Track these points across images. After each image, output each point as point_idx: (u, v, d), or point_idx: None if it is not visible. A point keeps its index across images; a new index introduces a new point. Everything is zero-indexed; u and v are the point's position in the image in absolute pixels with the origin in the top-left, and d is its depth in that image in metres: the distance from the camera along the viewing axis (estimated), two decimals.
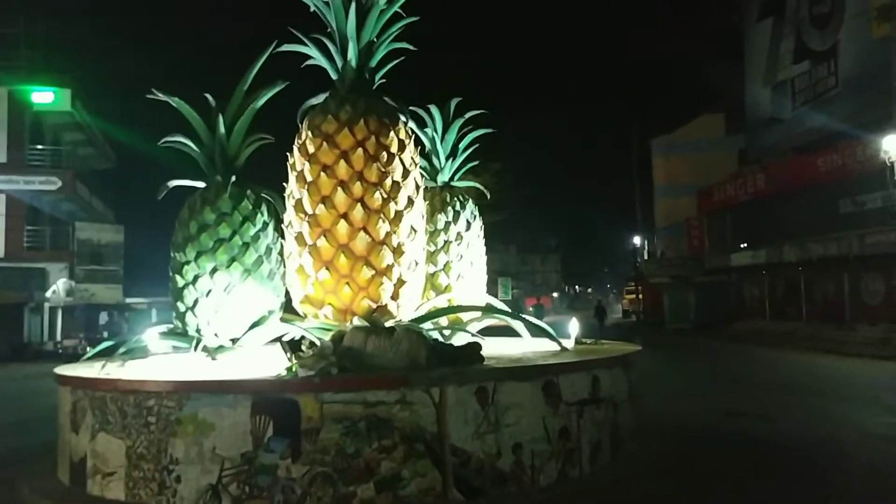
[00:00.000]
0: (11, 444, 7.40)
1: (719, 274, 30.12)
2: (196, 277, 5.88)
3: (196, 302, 5.88)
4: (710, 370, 14.06)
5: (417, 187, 6.46)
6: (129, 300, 30.35)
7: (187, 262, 5.90)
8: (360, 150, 6.00)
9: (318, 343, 5.22)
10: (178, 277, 5.94)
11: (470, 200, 8.01)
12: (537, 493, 4.76)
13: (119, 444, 4.87)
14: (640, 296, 42.06)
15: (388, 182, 6.11)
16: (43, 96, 27.56)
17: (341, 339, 4.97)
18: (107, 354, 5.92)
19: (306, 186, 6.02)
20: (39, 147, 28.88)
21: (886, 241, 19.97)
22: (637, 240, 44.65)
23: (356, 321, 5.84)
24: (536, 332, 6.64)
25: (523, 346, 6.60)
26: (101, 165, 36.63)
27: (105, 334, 24.89)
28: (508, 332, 7.20)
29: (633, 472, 5.25)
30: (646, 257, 42.65)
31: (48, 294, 27.15)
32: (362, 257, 5.91)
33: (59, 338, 26.57)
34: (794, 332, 22.88)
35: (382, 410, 4.53)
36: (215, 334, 5.92)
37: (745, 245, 27.82)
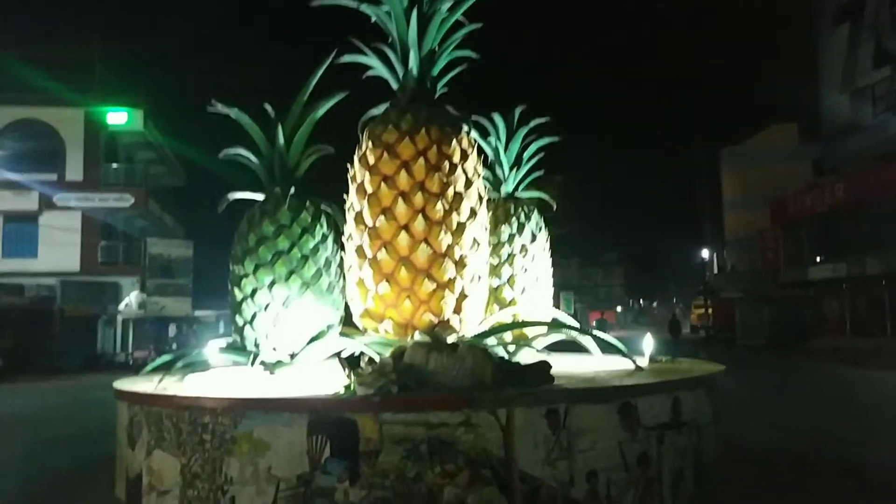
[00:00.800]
0: (75, 455, 7.43)
1: (795, 288, 28.73)
2: (254, 291, 5.73)
3: (254, 316, 5.72)
4: (792, 390, 13.23)
5: (480, 198, 6.19)
6: (197, 313, 31.07)
7: (246, 276, 5.76)
8: (421, 159, 5.78)
9: (377, 359, 4.97)
10: (236, 291, 5.81)
11: (535, 211, 7.68)
12: None
13: (174, 462, 4.72)
14: (710, 310, 40.59)
15: (451, 192, 5.86)
16: (117, 117, 28.65)
17: (402, 355, 4.71)
18: (167, 368, 5.83)
19: (366, 198, 5.83)
20: (114, 166, 29.99)
21: None
22: (705, 253, 43.19)
23: (417, 336, 5.58)
24: (607, 348, 6.24)
25: (594, 365, 6.20)
26: (172, 183, 37.88)
27: (174, 346, 25.50)
28: (576, 348, 6.81)
29: (719, 502, 4.79)
30: (715, 271, 41.15)
31: (121, 307, 28.05)
32: (423, 270, 5.67)
33: (130, 349, 27.35)
34: (878, 350, 21.51)
35: (445, 433, 4.23)
36: (273, 349, 5.75)
37: (823, 258, 26.46)
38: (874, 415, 9.36)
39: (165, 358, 6.02)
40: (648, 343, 6.66)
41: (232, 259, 5.94)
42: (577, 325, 6.80)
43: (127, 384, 5.65)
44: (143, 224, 31.72)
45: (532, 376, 4.66)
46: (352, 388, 4.44)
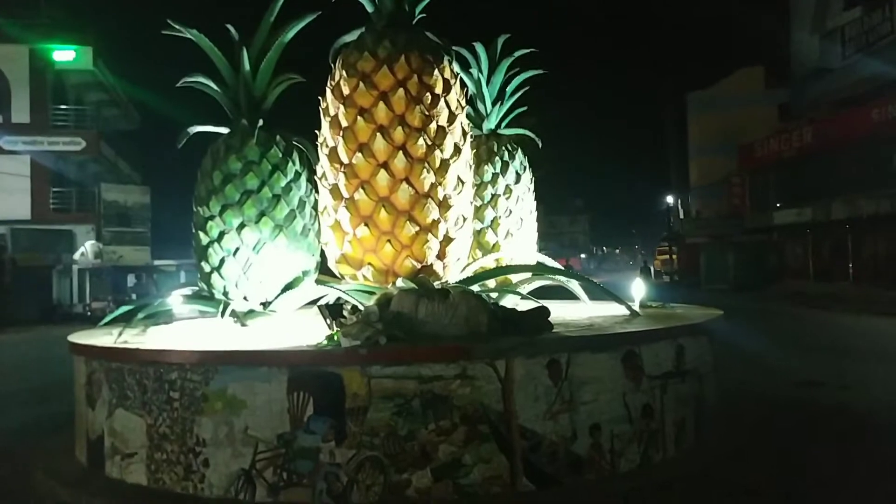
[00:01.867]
0: (33, 413, 6.95)
1: (760, 233, 29.01)
2: (221, 234, 5.23)
3: (222, 261, 5.23)
4: (763, 333, 13.27)
5: (464, 134, 5.73)
6: (157, 262, 30.13)
7: (211, 217, 5.24)
8: (400, 90, 5.27)
9: (361, 308, 4.57)
10: (201, 234, 5.30)
11: (519, 150, 7.24)
12: (618, 481, 4.10)
13: (139, 423, 4.30)
14: (674, 256, 41.04)
15: (433, 127, 5.38)
16: (64, 54, 27.07)
17: (388, 303, 4.31)
18: (127, 319, 5.34)
19: (341, 133, 5.33)
20: (63, 107, 28.47)
21: None
22: (670, 199, 43.43)
23: (399, 283, 5.18)
24: (595, 294, 5.93)
25: (586, 311, 5.89)
26: (126, 127, 36.28)
27: (133, 296, 24.71)
28: (560, 294, 6.50)
29: (723, 456, 4.58)
30: (681, 217, 41.46)
31: (76, 256, 27.02)
32: (405, 212, 5.23)
33: (88, 300, 26.48)
34: (840, 294, 21.89)
35: (440, 386, 3.88)
36: (244, 297, 5.29)
37: (788, 203, 26.65)
38: (851, 358, 9.35)
39: (125, 309, 5.52)
40: (639, 288, 6.36)
41: (195, 199, 5.41)
42: (563, 268, 6.46)
43: (83, 337, 5.16)
44: (96, 169, 30.38)
45: (531, 324, 4.31)
46: (335, 339, 4.04)
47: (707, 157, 37.79)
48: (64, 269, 26.72)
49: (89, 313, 23.36)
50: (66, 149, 27.01)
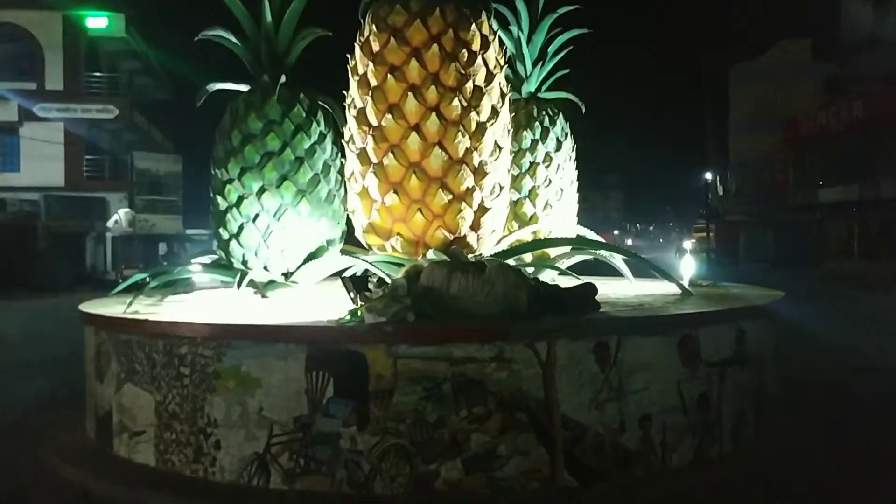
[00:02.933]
0: (51, 383, 6.74)
1: (804, 211, 28.00)
2: (240, 199, 4.86)
3: (241, 228, 4.87)
4: (812, 314, 12.63)
5: (503, 95, 5.28)
6: (189, 231, 30.20)
7: (230, 181, 4.88)
8: (434, 46, 4.85)
9: (388, 281, 4.18)
10: (219, 199, 4.94)
11: (560, 115, 6.74)
12: (670, 477, 3.69)
13: (148, 399, 3.99)
14: (710, 234, 40.00)
15: (469, 87, 4.96)
16: (97, 21, 26.97)
17: (418, 276, 3.91)
18: (141, 287, 5.04)
19: (370, 93, 4.93)
20: (96, 75, 28.45)
21: None
22: (708, 176, 42.25)
23: (430, 255, 4.79)
24: (644, 271, 5.47)
25: (632, 290, 5.43)
26: (159, 96, 36.25)
27: (165, 264, 24.79)
28: (601, 271, 6.06)
29: (784, 452, 4.12)
30: (720, 194, 40.32)
31: (109, 224, 27.16)
32: (437, 179, 4.83)
33: (121, 267, 26.65)
34: (886, 274, 20.97)
35: (473, 369, 3.48)
36: (265, 267, 4.94)
37: (834, 180, 25.61)
38: None
39: (139, 276, 5.21)
40: (688, 265, 5.88)
41: (213, 161, 5.05)
42: (606, 243, 6.00)
43: (95, 306, 4.86)
44: (129, 137, 30.42)
45: (576, 302, 3.88)
46: (359, 314, 3.66)
47: (748, 132, 36.49)
48: (97, 236, 26.90)
49: (121, 280, 23.43)
50: (99, 116, 27.02)
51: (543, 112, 6.62)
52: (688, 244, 32.39)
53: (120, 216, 27.41)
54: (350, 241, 5.47)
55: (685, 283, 5.46)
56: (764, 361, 4.39)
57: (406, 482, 3.49)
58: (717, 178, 42.04)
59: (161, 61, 33.03)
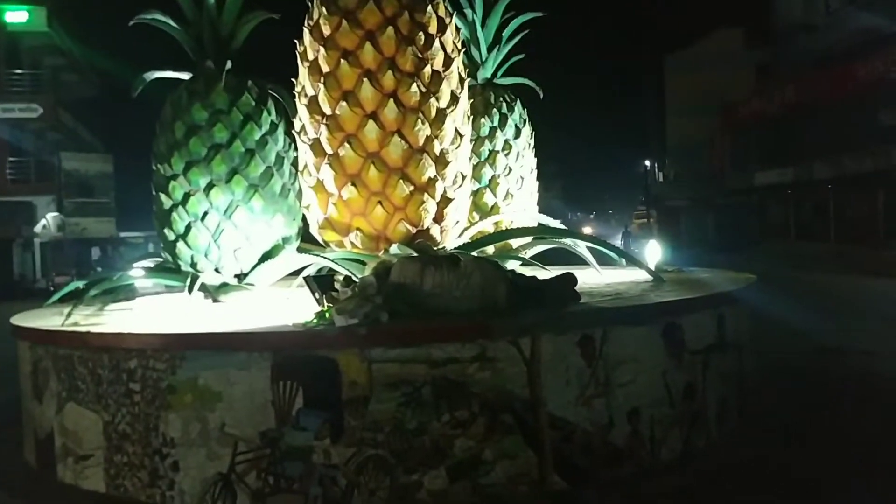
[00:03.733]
0: None
1: (741, 195, 28.70)
2: (186, 196, 4.48)
3: (188, 228, 4.49)
4: (759, 296, 12.88)
5: (461, 80, 5.06)
6: (123, 234, 28.93)
7: (174, 177, 4.49)
8: (390, 29, 4.59)
9: (355, 279, 3.90)
10: (163, 197, 4.55)
11: (518, 102, 6.55)
12: (661, 473, 3.54)
13: (94, 420, 3.62)
14: (650, 220, 40.76)
15: (427, 72, 4.73)
16: (17, 15, 25.41)
17: (388, 272, 3.65)
18: (79, 296, 4.62)
19: (322, 80, 4.63)
20: (18, 72, 26.89)
21: None
22: (647, 163, 43.00)
23: (393, 250, 4.53)
24: (608, 259, 5.33)
25: (601, 278, 5.28)
26: (87, 93, 34.50)
27: (99, 270, 23.66)
28: (562, 260, 5.90)
29: (770, 439, 4.02)
30: (659, 180, 41.12)
31: (37, 229, 25.75)
32: (397, 169, 4.59)
33: (51, 275, 25.34)
34: (822, 254, 21.69)
35: (455, 371, 3.25)
36: (216, 269, 4.58)
37: (770, 164, 26.29)
38: (859, 320, 8.93)
39: (77, 283, 4.78)
40: (654, 251, 5.78)
41: (154, 156, 4.65)
42: (573, 231, 5.85)
43: (28, 318, 4.43)
44: (55, 137, 28.84)
45: (556, 294, 3.68)
46: (327, 316, 3.38)
47: (686, 118, 37.21)
48: (25, 242, 25.49)
49: (52, 288, 22.27)
50: (21, 115, 25.51)
51: (501, 98, 6.41)
52: (632, 228, 32.88)
53: (48, 220, 26.01)
54: (306, 238, 5.16)
55: (652, 270, 5.35)
56: (742, 346, 4.30)
57: (387, 495, 3.24)
58: (657, 165, 42.82)
59: (87, 57, 31.40)
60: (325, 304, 3.54)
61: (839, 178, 22.32)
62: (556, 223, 6.39)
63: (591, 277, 5.32)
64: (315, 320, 3.41)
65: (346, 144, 4.59)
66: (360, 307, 3.34)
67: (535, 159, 6.66)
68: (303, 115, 4.78)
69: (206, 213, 4.46)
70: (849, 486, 3.41)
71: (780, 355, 6.15)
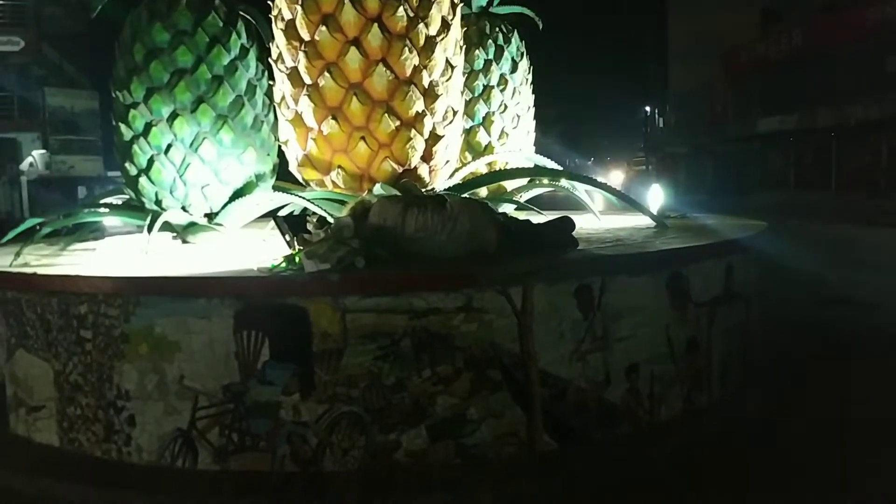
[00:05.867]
0: None
1: (742, 142, 28.19)
2: (148, 127, 4.08)
3: (151, 162, 4.10)
4: (761, 244, 12.56)
5: (453, 6, 4.61)
6: (111, 173, 28.33)
7: (134, 105, 4.08)
8: None
9: (331, 220, 3.56)
10: (122, 127, 4.15)
11: (516, 32, 6.09)
12: (660, 433, 3.28)
13: (45, 368, 3.32)
14: (650, 167, 40.24)
15: None
16: None
17: (366, 213, 3.30)
18: (33, 234, 4.28)
19: (300, 1, 4.18)
20: None
21: None
22: (648, 108, 42.23)
23: (378, 190, 4.17)
24: (621, 203, 4.98)
25: (601, 224, 4.95)
26: (71, 27, 33.36)
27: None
28: (559, 205, 5.56)
29: (775, 397, 3.77)
30: (660, 126, 40.43)
31: (23, 166, 25.20)
32: (382, 102, 4.18)
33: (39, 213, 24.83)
34: (822, 203, 21.37)
35: (437, 322, 2.94)
36: (183, 207, 4.21)
37: (773, 110, 25.71)
38: (861, 270, 8.66)
39: (33, 221, 4.42)
40: (657, 195, 5.43)
41: (113, 82, 4.23)
42: (571, 173, 5.48)
43: None
44: (39, 73, 27.96)
45: (552, 239, 3.34)
46: (297, 261, 3.04)
47: (688, 63, 36.33)
48: (11, 180, 24.96)
49: (39, 228, 21.87)
50: (3, 49, 24.67)
51: (497, 29, 5.95)
52: (633, 174, 32.45)
53: (35, 158, 25.42)
54: (285, 177, 4.79)
55: (655, 215, 5.02)
56: (750, 299, 3.99)
57: (361, 455, 2.97)
58: (657, 111, 42.06)
59: None
60: (296, 247, 3.20)
61: (842, 127, 21.88)
62: (553, 165, 6.01)
63: (589, 223, 4.99)
64: (284, 265, 3.08)
65: (327, 74, 4.18)
66: (334, 251, 3.00)
67: (533, 98, 6.25)
68: (279, 41, 4.36)
69: (169, 146, 4.07)
70: (854, 446, 3.17)
71: (783, 306, 5.88)
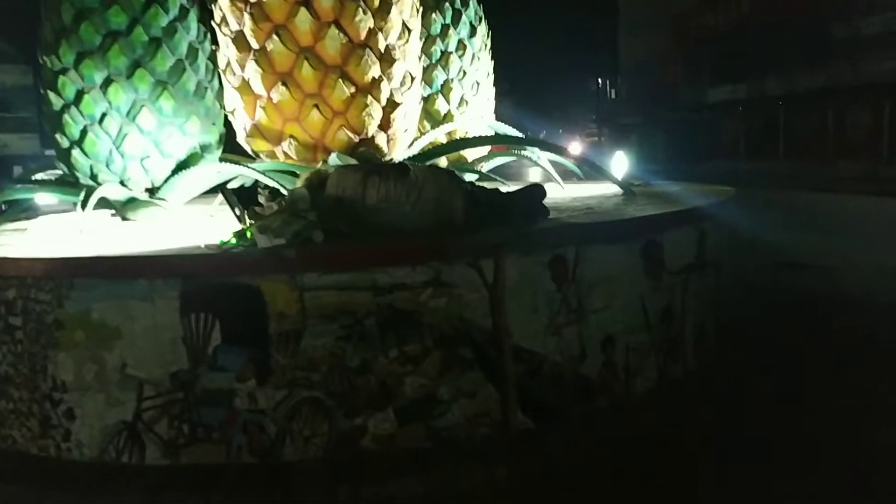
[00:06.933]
0: None
1: (693, 112, 28.42)
2: (80, 94, 3.72)
3: (84, 133, 3.76)
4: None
5: None
6: (49, 152, 27.10)
7: (64, 71, 3.72)
8: None
9: (285, 192, 3.31)
10: (51, 95, 3.78)
11: None
12: (636, 407, 3.16)
13: None
14: (601, 139, 40.43)
15: None
16: None
17: (323, 184, 3.06)
18: None
19: None
20: None
21: (880, 70, 18.45)
22: (599, 80, 42.29)
23: (334, 159, 3.93)
24: (585, 171, 4.83)
25: (566, 193, 4.80)
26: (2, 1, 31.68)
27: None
28: (521, 176, 5.39)
29: (747, 365, 3.69)
30: (611, 97, 40.59)
31: None
32: (335, 67, 3.93)
33: None
34: (771, 171, 21.74)
35: (404, 299, 2.74)
36: (122, 182, 3.89)
37: (723, 79, 25.95)
38: (810, 234, 8.75)
39: None
40: (621, 162, 5.30)
41: (40, 45, 3.85)
42: (535, 139, 5.30)
43: None
44: None
45: (523, 209, 3.16)
46: (248, 235, 2.79)
47: (638, 34, 36.41)
48: None
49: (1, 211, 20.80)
50: None
51: None
52: (584, 145, 32.47)
53: None
54: (234, 149, 4.49)
55: (622, 182, 4.88)
56: (720, 266, 3.90)
57: (325, 443, 2.77)
58: (608, 82, 42.15)
59: None
60: (247, 220, 2.95)
61: (790, 95, 22.17)
62: (514, 132, 5.82)
63: (554, 192, 4.83)
64: (234, 240, 2.82)
65: (275, 37, 3.90)
66: (289, 225, 2.76)
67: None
68: (223, 2, 4.03)
69: (104, 115, 3.72)
70: (827, 411, 3.11)
71: (746, 271, 5.86)
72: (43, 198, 4.57)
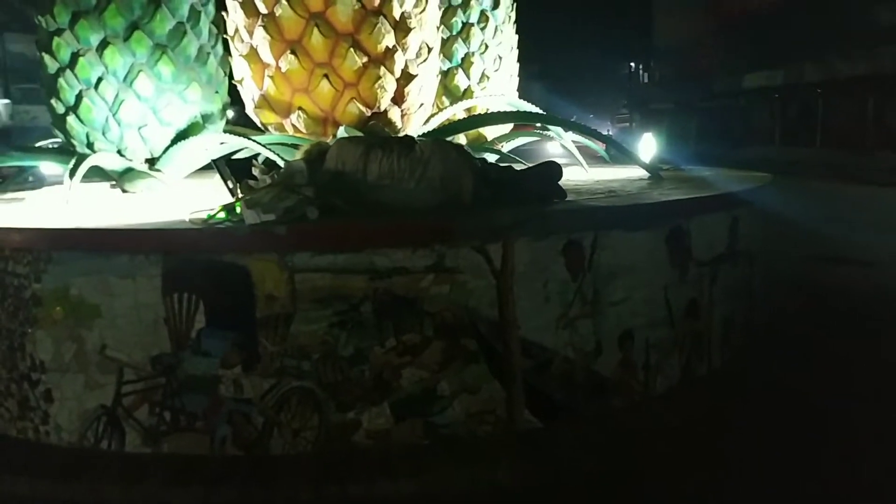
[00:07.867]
0: None
1: (728, 98, 27.67)
2: (75, 57, 3.53)
3: (79, 98, 3.57)
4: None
5: None
6: None
7: (59, 32, 3.53)
8: None
9: (281, 165, 3.09)
10: (46, 58, 3.60)
11: None
12: (655, 407, 2.91)
13: None
14: (633, 124, 39.69)
15: None
16: None
17: (322, 157, 2.83)
18: None
19: None
20: None
21: None
22: (632, 64, 41.49)
23: (342, 133, 3.70)
24: (611, 154, 4.55)
25: (591, 175, 4.52)
26: None
27: None
28: (542, 156, 5.09)
29: (779, 364, 3.41)
30: (644, 82, 39.80)
31: None
32: (347, 35, 3.69)
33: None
34: (806, 160, 21.08)
35: (403, 284, 2.51)
36: (119, 151, 3.70)
37: (760, 65, 25.17)
38: (854, 229, 8.35)
39: None
40: (649, 144, 5.00)
41: (34, 5, 3.67)
42: (557, 118, 5.01)
43: None
44: (1, 18, 26.67)
45: (536, 188, 2.90)
46: (236, 211, 2.58)
47: (674, 17, 35.54)
48: None
49: (1, 180, 21.02)
50: None
51: None
52: (618, 129, 31.93)
53: None
54: (243, 122, 4.30)
55: (648, 165, 4.59)
56: (754, 257, 3.61)
57: (315, 437, 2.57)
58: (641, 67, 41.32)
59: None
60: (239, 194, 2.74)
61: (830, 82, 21.41)
62: (537, 110, 5.54)
63: (576, 174, 4.56)
64: (222, 215, 2.61)
65: (284, 2, 3.67)
66: (281, 200, 2.55)
67: (519, 59, 5.76)
68: None
69: (100, 80, 3.53)
70: (860, 414, 2.83)
71: (782, 264, 5.54)
72: (49, 167, 4.42)
